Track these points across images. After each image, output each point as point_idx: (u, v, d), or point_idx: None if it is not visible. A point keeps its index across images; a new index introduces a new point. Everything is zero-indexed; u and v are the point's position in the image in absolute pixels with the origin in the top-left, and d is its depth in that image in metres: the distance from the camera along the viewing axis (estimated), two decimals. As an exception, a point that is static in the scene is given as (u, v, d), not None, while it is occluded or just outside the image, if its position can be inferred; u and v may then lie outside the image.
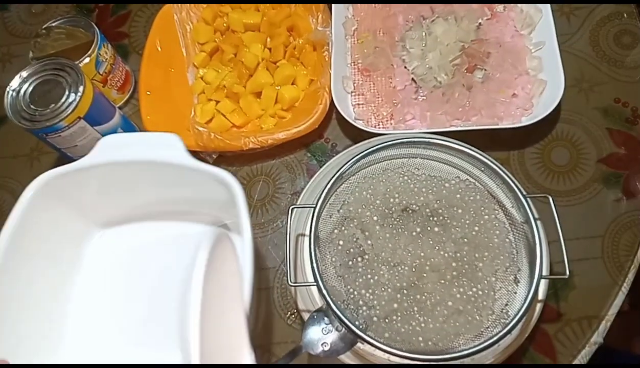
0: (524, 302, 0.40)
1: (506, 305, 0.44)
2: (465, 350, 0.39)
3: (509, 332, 0.39)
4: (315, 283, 0.41)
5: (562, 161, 0.52)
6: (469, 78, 0.55)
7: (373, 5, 0.61)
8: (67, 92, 0.47)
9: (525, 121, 0.51)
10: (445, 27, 0.57)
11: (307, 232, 0.48)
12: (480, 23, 0.58)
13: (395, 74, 0.56)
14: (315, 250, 0.42)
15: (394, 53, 0.57)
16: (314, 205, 0.44)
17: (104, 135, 0.51)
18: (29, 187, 0.42)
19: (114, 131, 0.52)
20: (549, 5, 0.55)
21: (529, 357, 0.45)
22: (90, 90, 0.48)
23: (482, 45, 0.56)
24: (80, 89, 0.47)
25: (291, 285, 0.42)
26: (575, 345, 0.45)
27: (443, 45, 0.56)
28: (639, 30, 0.57)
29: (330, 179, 0.45)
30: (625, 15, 0.59)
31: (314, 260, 0.42)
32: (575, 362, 0.44)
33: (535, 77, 0.54)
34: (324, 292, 0.41)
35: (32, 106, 0.47)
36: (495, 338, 0.38)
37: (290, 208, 0.44)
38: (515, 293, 0.44)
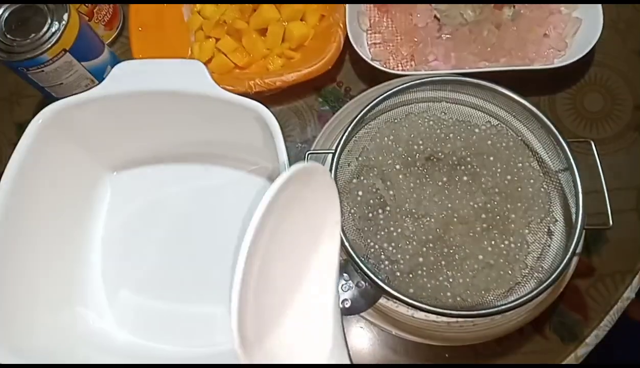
0: (565, 255, 0.36)
1: (538, 258, 0.41)
2: (499, 306, 0.36)
3: (548, 287, 0.36)
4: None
5: (596, 107, 0.49)
6: (497, 15, 0.50)
7: None
8: (49, 20, 0.41)
9: (558, 63, 0.47)
10: (470, -42, 0.51)
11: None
12: (509, -45, 0.52)
13: (416, 10, 0.51)
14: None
15: (414, -14, 0.52)
16: (333, 151, 0.40)
17: (91, 72, 0.45)
18: (36, 117, 0.37)
19: (103, 69, 0.46)
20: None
21: (559, 313, 0.42)
22: (76, 19, 0.42)
23: (512, -21, 0.51)
24: (65, 17, 0.41)
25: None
26: (608, 300, 0.42)
27: (468, -22, 0.51)
28: (680, -34, 0.53)
29: (351, 122, 0.41)
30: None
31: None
32: (607, 318, 0.42)
33: (569, 15, 0.50)
34: (346, 244, 0.37)
35: (8, 35, 0.41)
36: (533, 293, 0.35)
37: (307, 154, 0.40)
38: (549, 246, 0.41)
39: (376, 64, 0.49)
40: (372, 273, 0.36)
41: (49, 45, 0.40)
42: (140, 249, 0.45)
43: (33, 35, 0.40)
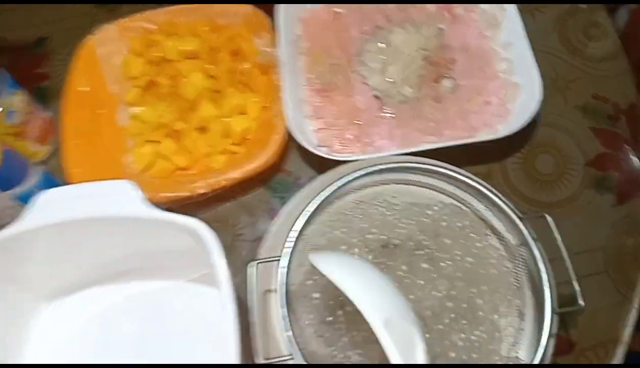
0: (540, 341, 0.34)
1: (513, 345, 0.38)
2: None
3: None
4: (290, 357, 0.34)
5: (548, 169, 0.48)
6: (436, 89, 0.50)
7: (322, 20, 0.55)
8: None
9: (503, 130, 0.46)
10: (404, 36, 0.52)
11: (276, 287, 0.41)
12: (441, 28, 0.53)
13: (355, 92, 0.50)
14: (287, 316, 0.35)
15: (351, 69, 0.52)
16: (279, 258, 0.37)
17: (18, 198, 0.42)
18: None
19: (30, 193, 0.43)
20: (513, 4, 0.51)
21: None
22: (-4, 150, 0.39)
23: (446, 51, 0.51)
24: (-17, 150, 0.38)
25: (263, 363, 0.34)
26: (595, 379, 0.40)
27: (404, 56, 0.51)
28: (605, 20, 0.54)
29: (293, 224, 0.38)
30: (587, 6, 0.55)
31: (287, 328, 0.35)
32: (598, 397, 0.39)
33: (508, 80, 0.50)
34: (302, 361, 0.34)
35: None
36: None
37: (250, 265, 0.37)
38: (522, 329, 0.38)
39: (322, 150, 0.47)
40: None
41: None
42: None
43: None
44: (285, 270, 0.37)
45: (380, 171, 0.41)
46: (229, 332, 0.33)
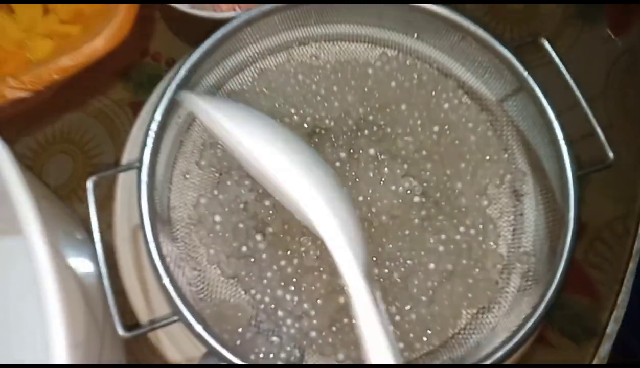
0: (563, 232, 0.22)
1: (512, 240, 0.26)
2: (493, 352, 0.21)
3: (558, 290, 0.21)
4: (176, 318, 0.20)
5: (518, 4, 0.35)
6: None
7: None
8: None
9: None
10: None
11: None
12: None
13: None
14: (158, 253, 0.20)
15: None
16: (138, 165, 0.22)
17: None
18: None
19: None
20: None
21: (561, 303, 0.28)
22: None
23: None
24: None
25: (124, 336, 0.20)
26: (616, 266, 0.29)
27: None
28: None
29: (156, 107, 0.23)
30: None
31: (160, 269, 0.20)
32: (623, 289, 0.29)
33: None
34: (200, 332, 0.20)
35: None
36: (539, 311, 0.21)
37: (91, 181, 0.22)
38: (522, 214, 0.26)
39: (201, 12, 0.31)
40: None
41: None
42: None
43: None
44: (146, 180, 0.21)
45: (277, 11, 0.26)
46: (47, 297, 0.18)
